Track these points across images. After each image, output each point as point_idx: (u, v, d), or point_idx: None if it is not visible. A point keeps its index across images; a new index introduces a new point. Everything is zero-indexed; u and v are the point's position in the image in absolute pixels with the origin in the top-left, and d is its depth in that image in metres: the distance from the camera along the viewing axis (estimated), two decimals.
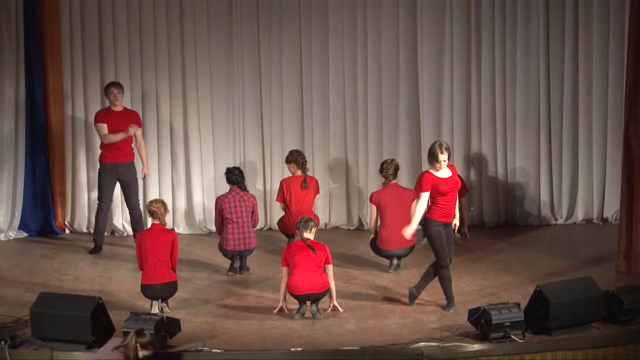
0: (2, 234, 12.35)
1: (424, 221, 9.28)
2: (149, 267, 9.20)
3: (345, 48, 12.73)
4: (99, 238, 11.73)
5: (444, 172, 9.11)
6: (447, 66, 12.72)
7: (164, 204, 9.49)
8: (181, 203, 12.78)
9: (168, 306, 9.29)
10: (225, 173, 10.90)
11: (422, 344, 8.23)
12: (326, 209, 12.94)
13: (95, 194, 12.12)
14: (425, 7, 12.62)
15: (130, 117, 11.68)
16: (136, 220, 11.84)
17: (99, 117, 11.58)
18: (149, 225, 9.64)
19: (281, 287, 9.28)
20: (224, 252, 10.73)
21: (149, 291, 9.26)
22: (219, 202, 10.70)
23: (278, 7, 12.65)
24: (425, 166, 11.76)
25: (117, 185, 11.77)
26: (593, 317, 8.63)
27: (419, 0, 12.60)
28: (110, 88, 11.59)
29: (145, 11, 12.51)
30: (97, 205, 11.79)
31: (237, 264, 10.72)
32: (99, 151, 11.75)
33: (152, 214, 9.40)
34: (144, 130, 12.43)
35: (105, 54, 12.53)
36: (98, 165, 11.77)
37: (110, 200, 11.77)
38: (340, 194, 12.97)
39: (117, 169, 11.58)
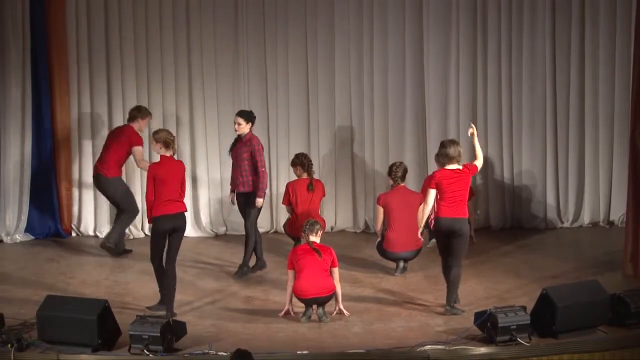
0: (9, 237, 12.34)
1: (436, 222, 9.31)
2: (162, 200, 9.21)
3: (351, 51, 12.71)
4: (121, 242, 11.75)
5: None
6: (453, 68, 12.69)
7: (169, 132, 9.53)
8: (187, 206, 12.72)
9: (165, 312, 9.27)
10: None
11: (428, 347, 8.23)
12: (332, 211, 12.92)
13: (101, 198, 12.16)
14: (432, 9, 12.61)
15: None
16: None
17: (140, 139, 11.53)
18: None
19: (287, 291, 9.28)
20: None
21: (160, 222, 9.23)
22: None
23: (284, 9, 12.65)
24: (431, 169, 11.80)
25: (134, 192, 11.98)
26: (599, 320, 8.62)
27: (425, 2, 12.61)
28: (149, 116, 11.71)
29: (152, 11, 12.50)
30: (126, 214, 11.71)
31: (243, 270, 10.71)
32: None
33: (167, 145, 9.33)
34: (147, 133, 12.42)
35: (112, 55, 12.51)
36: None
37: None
38: (346, 196, 12.95)
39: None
